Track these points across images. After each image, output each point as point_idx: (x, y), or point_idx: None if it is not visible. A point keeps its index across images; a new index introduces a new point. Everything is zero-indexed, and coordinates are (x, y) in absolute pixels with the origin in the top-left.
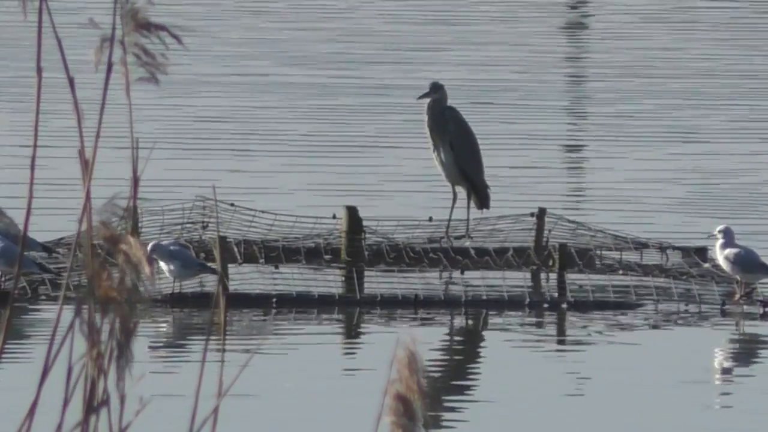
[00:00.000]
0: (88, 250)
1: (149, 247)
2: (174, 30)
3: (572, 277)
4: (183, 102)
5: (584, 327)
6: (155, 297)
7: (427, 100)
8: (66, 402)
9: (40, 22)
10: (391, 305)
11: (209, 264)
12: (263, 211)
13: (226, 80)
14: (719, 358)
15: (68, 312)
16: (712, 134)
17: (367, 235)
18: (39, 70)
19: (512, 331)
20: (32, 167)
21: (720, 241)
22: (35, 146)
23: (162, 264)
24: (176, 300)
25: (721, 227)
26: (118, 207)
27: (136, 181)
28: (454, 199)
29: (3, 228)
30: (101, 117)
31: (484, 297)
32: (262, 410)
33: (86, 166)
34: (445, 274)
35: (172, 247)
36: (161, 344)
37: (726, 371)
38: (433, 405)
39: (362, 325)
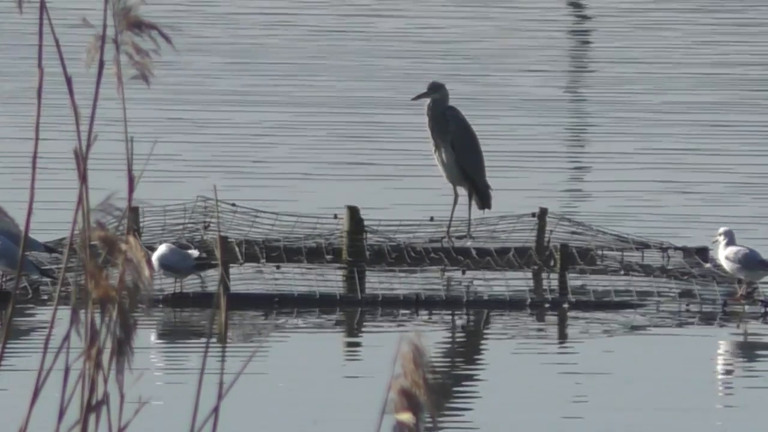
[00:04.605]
0: (85, 250)
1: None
2: (165, 30)
3: (573, 278)
4: (186, 107)
5: (585, 327)
6: (156, 297)
7: (427, 101)
8: (62, 401)
9: (41, 20)
10: (393, 305)
11: (199, 254)
12: (264, 211)
13: (230, 90)
14: (720, 358)
15: (66, 313)
16: (714, 134)
17: (369, 235)
18: (40, 68)
19: (513, 331)
20: (33, 166)
21: (722, 243)
22: (36, 146)
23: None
24: (177, 300)
25: (722, 229)
26: (113, 207)
27: (131, 179)
28: (456, 200)
29: (5, 228)
30: (93, 114)
31: (486, 297)
32: (262, 410)
33: (81, 165)
34: (447, 275)
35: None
36: (162, 344)
37: (727, 371)
38: (439, 400)
39: (363, 325)
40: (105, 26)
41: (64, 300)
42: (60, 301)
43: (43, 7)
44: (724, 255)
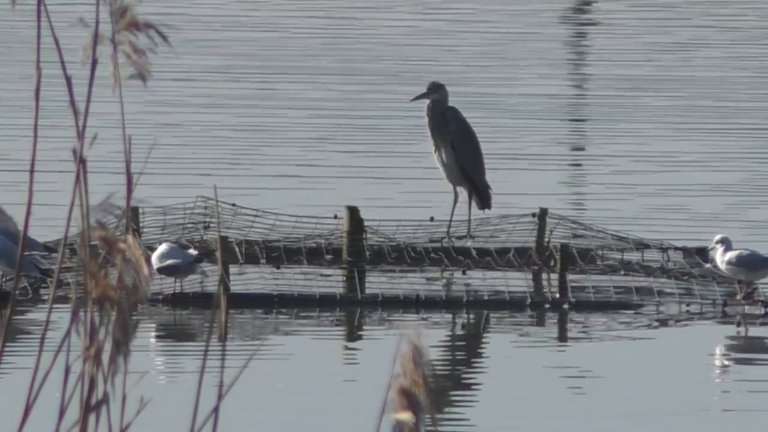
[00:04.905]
0: (84, 250)
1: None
2: (161, 28)
3: (573, 278)
4: (186, 109)
5: (585, 327)
6: (155, 297)
7: (427, 102)
8: (62, 401)
9: (38, 19)
10: (393, 305)
11: (195, 252)
12: (264, 212)
13: (230, 93)
14: (720, 359)
15: (63, 312)
16: (714, 134)
17: (369, 235)
18: (38, 69)
19: (513, 331)
20: (32, 167)
21: (720, 250)
22: (35, 145)
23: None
24: (177, 300)
25: (718, 237)
26: (113, 206)
27: (129, 179)
28: (456, 200)
29: (4, 228)
30: (87, 112)
31: (486, 297)
32: (262, 411)
33: (80, 164)
34: (447, 275)
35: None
36: (162, 344)
37: (726, 371)
38: (439, 399)
39: (363, 325)
40: (97, 23)
41: (62, 300)
42: (57, 301)
43: (40, 6)
44: (725, 261)
